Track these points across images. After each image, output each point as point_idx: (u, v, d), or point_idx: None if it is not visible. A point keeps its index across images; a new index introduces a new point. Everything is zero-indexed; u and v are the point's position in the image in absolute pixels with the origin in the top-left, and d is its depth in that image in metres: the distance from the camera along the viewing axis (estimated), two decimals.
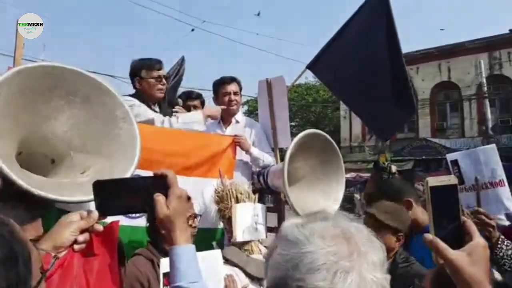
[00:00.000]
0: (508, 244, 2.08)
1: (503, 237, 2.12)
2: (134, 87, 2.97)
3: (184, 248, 1.07)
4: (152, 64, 2.92)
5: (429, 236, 0.88)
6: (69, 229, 1.02)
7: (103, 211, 1.05)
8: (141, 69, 2.91)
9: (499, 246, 2.05)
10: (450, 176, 0.94)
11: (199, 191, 2.63)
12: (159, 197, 1.06)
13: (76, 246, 1.03)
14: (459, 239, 0.88)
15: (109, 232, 1.10)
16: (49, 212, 1.87)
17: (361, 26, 3.61)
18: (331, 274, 0.69)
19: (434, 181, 0.90)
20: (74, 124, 1.83)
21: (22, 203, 1.46)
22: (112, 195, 1.04)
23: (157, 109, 2.96)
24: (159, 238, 1.88)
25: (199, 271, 1.07)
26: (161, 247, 1.90)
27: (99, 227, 1.06)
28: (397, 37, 3.53)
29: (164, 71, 3.00)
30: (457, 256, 0.85)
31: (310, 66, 3.75)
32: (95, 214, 1.05)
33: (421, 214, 2.27)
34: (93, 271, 1.07)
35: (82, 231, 1.04)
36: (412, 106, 3.79)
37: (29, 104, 1.67)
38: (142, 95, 2.90)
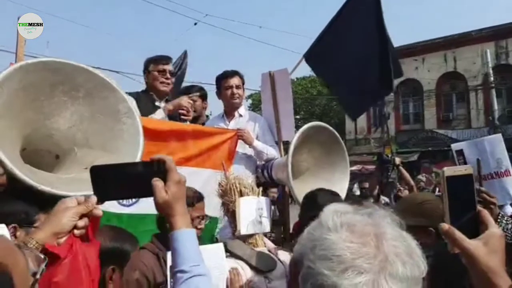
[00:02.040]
0: (508, 219, 2.18)
1: (503, 213, 2.21)
2: (146, 83, 3.08)
3: (184, 231, 1.06)
4: (159, 58, 3.01)
5: (445, 225, 0.88)
6: (67, 215, 1.00)
7: (101, 196, 1.04)
8: (149, 64, 3.02)
9: (498, 220, 2.13)
10: (466, 166, 0.95)
11: (192, 181, 2.66)
12: (157, 182, 1.05)
13: (76, 231, 1.01)
14: (474, 228, 0.88)
15: (95, 218, 1.08)
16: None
17: (352, 15, 3.64)
18: (341, 268, 0.67)
19: (450, 171, 0.90)
20: (77, 120, 1.84)
21: (34, 198, 1.48)
22: (110, 180, 1.03)
23: (162, 105, 2.96)
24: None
25: (200, 254, 1.07)
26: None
27: (99, 212, 1.04)
28: (383, 21, 3.58)
29: (170, 67, 3.02)
30: (473, 245, 0.85)
31: (306, 57, 3.77)
32: (94, 199, 1.03)
33: None
34: (91, 256, 1.07)
35: (81, 217, 1.02)
36: (389, 84, 3.76)
37: (32, 100, 1.68)
38: (149, 90, 3.00)
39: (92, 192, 1.01)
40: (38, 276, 0.83)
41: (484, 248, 0.84)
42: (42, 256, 0.87)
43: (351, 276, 0.66)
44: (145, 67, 3.04)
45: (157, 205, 1.06)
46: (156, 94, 3.00)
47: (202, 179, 2.70)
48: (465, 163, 3.32)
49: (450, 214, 0.88)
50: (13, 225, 1.39)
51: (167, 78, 2.97)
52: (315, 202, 2.25)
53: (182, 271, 1.03)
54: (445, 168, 0.90)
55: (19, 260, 0.77)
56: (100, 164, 1.07)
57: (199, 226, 2.10)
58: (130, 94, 3.04)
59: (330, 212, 0.78)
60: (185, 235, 1.06)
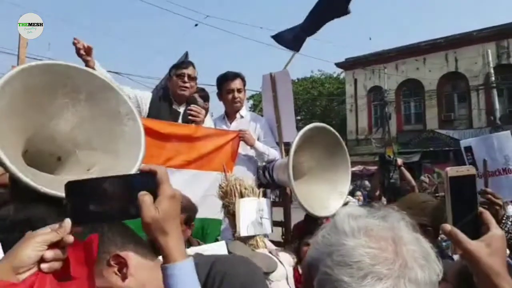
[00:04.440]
0: None
1: (508, 215, 2.19)
2: (169, 88, 3.13)
3: (181, 265, 0.86)
4: (180, 63, 3.09)
5: (448, 226, 0.88)
6: (30, 244, 0.77)
7: (77, 218, 0.84)
8: (172, 69, 3.07)
9: (503, 221, 2.13)
10: (469, 166, 0.95)
11: (195, 183, 2.67)
12: (145, 197, 0.85)
13: (43, 265, 0.77)
14: (476, 229, 0.88)
15: (87, 248, 0.84)
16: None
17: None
18: (360, 274, 0.66)
19: (453, 171, 0.90)
20: (79, 122, 1.84)
21: (41, 202, 1.48)
22: (88, 197, 0.85)
23: (180, 109, 3.01)
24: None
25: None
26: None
27: (69, 238, 0.81)
28: None
29: (189, 71, 3.01)
30: (476, 247, 0.85)
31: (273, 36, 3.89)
32: (67, 222, 0.82)
33: None
34: None
35: (50, 246, 0.79)
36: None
37: (34, 102, 1.68)
38: (169, 93, 3.07)
39: None
40: None
41: (486, 250, 0.84)
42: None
43: (370, 282, 0.65)
44: (169, 72, 3.10)
45: (144, 225, 0.86)
46: (174, 98, 3.03)
47: (207, 181, 2.71)
48: (473, 159, 3.32)
49: (452, 215, 0.89)
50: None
51: (184, 82, 2.97)
52: None
53: None
54: (448, 169, 0.91)
55: None
56: (76, 179, 0.90)
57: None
58: (158, 95, 3.13)
59: (345, 216, 0.76)
60: (182, 269, 0.86)
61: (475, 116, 20.65)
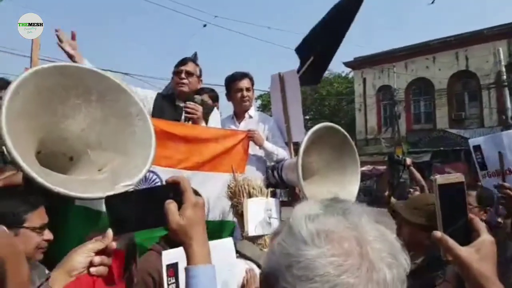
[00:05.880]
0: None
1: None
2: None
3: (204, 269, 0.94)
4: (180, 61, 3.09)
5: (438, 233, 0.90)
6: (80, 251, 0.92)
7: (118, 229, 0.97)
8: (174, 68, 3.09)
9: None
10: (457, 174, 0.96)
11: (208, 185, 2.67)
12: (171, 205, 0.94)
13: (92, 269, 0.92)
14: (466, 235, 0.90)
15: (120, 256, 1.02)
16: (69, 208, 1.93)
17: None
18: None
19: (442, 179, 0.92)
20: (90, 123, 1.88)
21: (14, 197, 1.49)
22: (125, 210, 0.96)
23: (181, 104, 3.01)
24: None
25: None
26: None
27: (112, 245, 0.96)
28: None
29: (187, 67, 3.04)
30: (466, 253, 0.86)
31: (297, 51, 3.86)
32: (109, 232, 0.95)
33: None
34: None
35: (97, 253, 0.93)
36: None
37: (46, 104, 1.71)
38: (174, 92, 3.12)
39: (102, 195, 0.96)
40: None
41: (476, 255, 0.86)
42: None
43: None
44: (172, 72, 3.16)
45: (171, 231, 0.95)
46: (177, 95, 3.07)
47: (220, 183, 2.71)
48: (482, 158, 3.29)
49: (442, 222, 0.91)
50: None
51: (181, 78, 3.00)
52: None
53: None
54: (437, 176, 0.93)
55: (17, 254, 0.77)
56: (112, 193, 1.02)
57: None
58: (161, 94, 3.17)
59: (301, 218, 0.68)
60: (204, 273, 0.93)
61: (486, 115, 20.38)
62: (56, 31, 2.36)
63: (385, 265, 0.63)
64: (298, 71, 3.61)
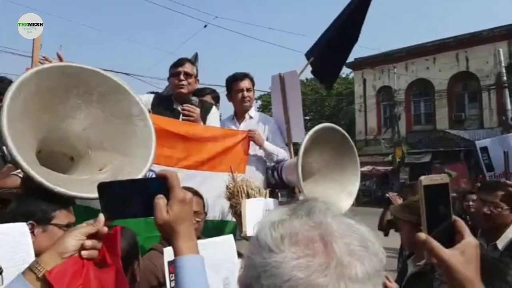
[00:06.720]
0: None
1: None
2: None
3: (190, 258, 0.95)
4: (176, 61, 3.03)
5: (423, 235, 0.89)
6: (72, 234, 0.95)
7: (109, 214, 0.99)
8: (170, 69, 3.04)
9: None
10: (442, 175, 0.95)
11: (208, 185, 2.67)
12: (159, 200, 0.95)
13: (84, 252, 0.94)
14: (450, 238, 0.89)
15: (114, 238, 1.00)
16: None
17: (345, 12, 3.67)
18: None
19: (427, 180, 0.91)
20: (91, 123, 1.88)
21: (39, 199, 1.54)
22: (117, 197, 0.98)
23: (179, 107, 2.95)
24: None
25: (206, 285, 0.95)
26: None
27: (104, 230, 0.97)
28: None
29: (185, 68, 2.98)
30: (450, 255, 0.85)
31: (307, 54, 3.81)
32: (101, 217, 0.97)
33: None
34: (108, 284, 0.99)
35: (89, 237, 0.95)
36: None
37: (47, 104, 1.72)
38: (172, 95, 3.07)
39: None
40: None
41: (460, 258, 0.85)
42: None
43: None
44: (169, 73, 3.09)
45: (158, 226, 0.96)
46: (175, 98, 3.02)
47: (220, 183, 2.71)
48: (489, 159, 3.30)
49: (427, 223, 0.89)
50: (30, 222, 1.46)
51: (180, 80, 2.94)
52: None
53: None
54: (422, 177, 0.91)
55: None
56: (107, 181, 1.03)
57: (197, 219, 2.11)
58: (157, 96, 3.12)
59: (266, 226, 0.66)
60: (190, 262, 0.94)
61: (486, 116, 20.38)
62: (45, 58, 2.15)
63: (356, 259, 0.60)
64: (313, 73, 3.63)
